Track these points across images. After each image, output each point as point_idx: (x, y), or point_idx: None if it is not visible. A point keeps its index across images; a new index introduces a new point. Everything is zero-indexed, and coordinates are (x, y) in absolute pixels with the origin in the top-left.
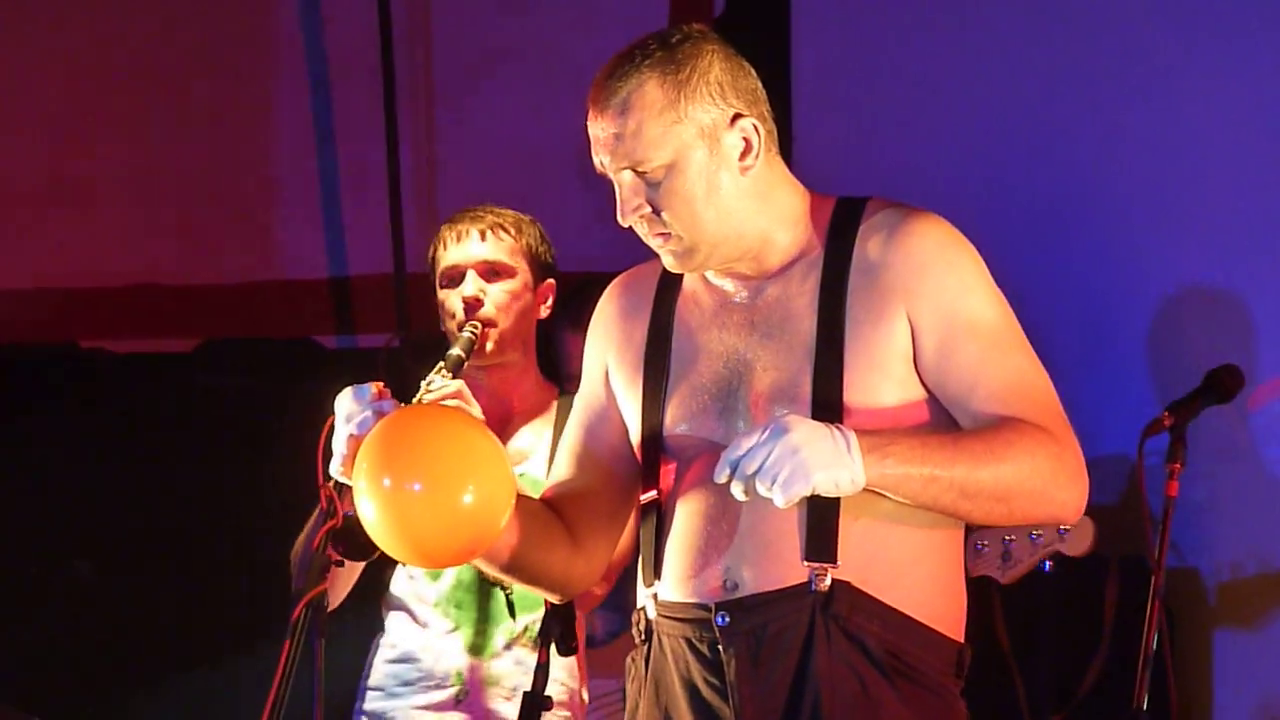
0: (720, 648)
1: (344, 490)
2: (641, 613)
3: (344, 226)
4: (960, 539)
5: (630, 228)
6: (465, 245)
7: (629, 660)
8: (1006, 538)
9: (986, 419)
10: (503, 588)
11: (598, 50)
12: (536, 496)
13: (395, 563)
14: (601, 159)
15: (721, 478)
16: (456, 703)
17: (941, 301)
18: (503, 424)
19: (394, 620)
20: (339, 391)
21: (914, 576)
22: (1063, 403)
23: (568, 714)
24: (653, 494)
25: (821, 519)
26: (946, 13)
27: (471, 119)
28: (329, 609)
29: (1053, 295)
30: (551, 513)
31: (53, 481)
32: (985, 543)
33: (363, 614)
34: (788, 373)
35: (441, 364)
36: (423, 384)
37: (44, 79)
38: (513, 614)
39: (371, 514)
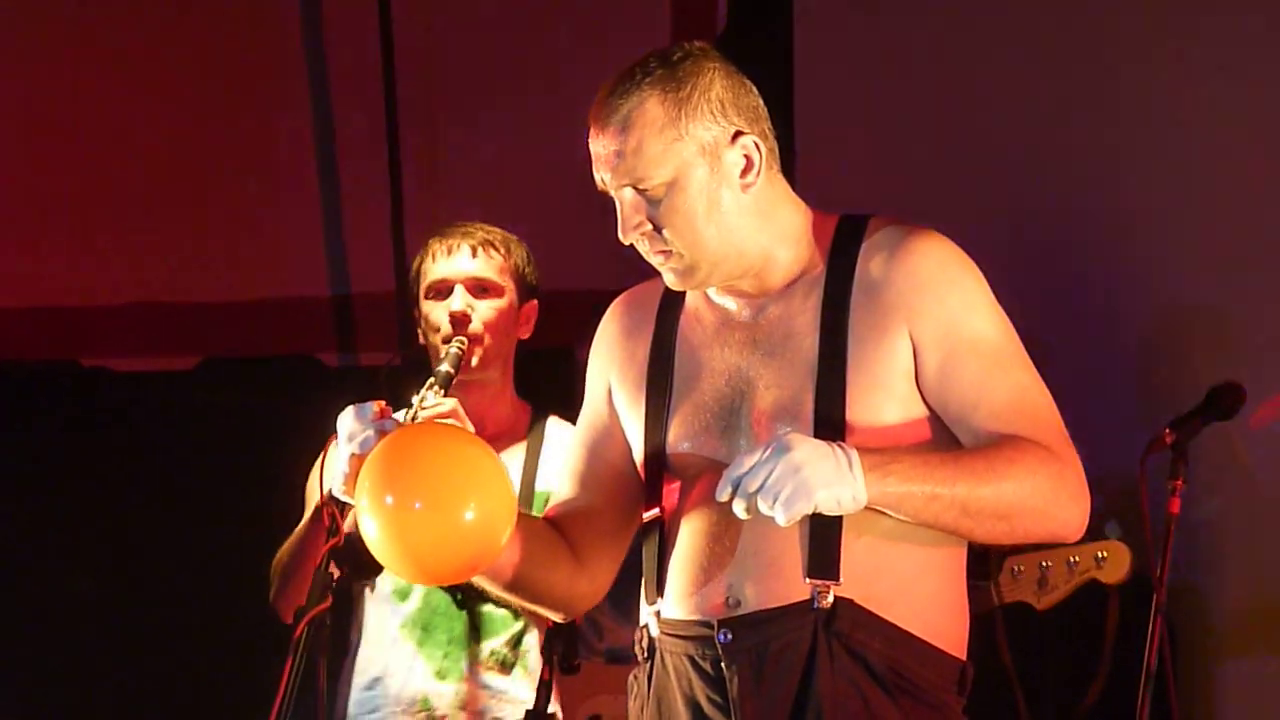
0: (723, 665)
1: (346, 508)
2: (644, 630)
3: (345, 244)
4: (963, 556)
5: (632, 245)
6: (455, 260)
7: (631, 678)
8: (1043, 563)
9: (988, 437)
10: (470, 611)
11: (599, 69)
12: None
13: (364, 584)
14: (602, 176)
15: (724, 496)
16: None
17: (943, 319)
18: None
19: (362, 642)
20: (341, 409)
21: (916, 594)
22: (1065, 420)
23: None
24: (655, 512)
25: (824, 536)
26: (950, 30)
27: (473, 137)
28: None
29: (1054, 313)
30: (555, 531)
31: (53, 499)
32: (1021, 568)
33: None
34: (790, 391)
35: (432, 380)
36: (415, 400)
37: (45, 98)
38: (479, 638)
39: (374, 532)
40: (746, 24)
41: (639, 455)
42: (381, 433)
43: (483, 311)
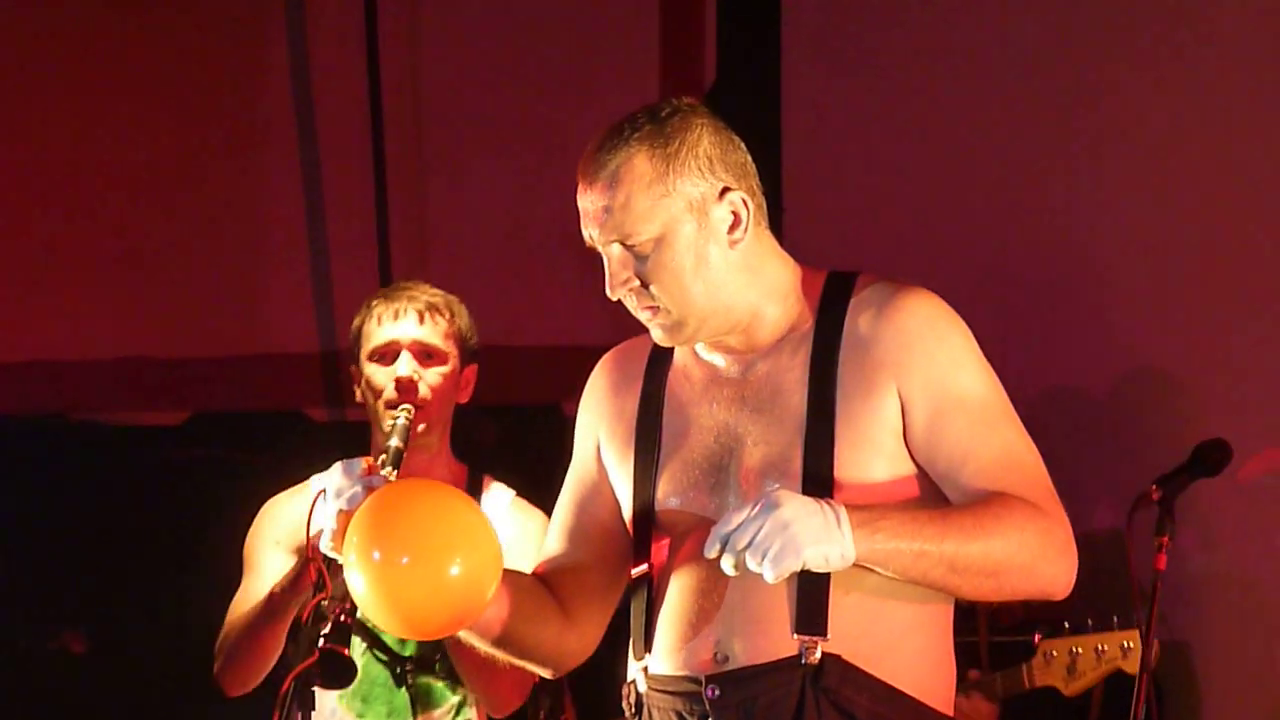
0: None
1: (333, 565)
2: (632, 686)
3: (334, 299)
4: (950, 613)
5: (619, 301)
6: (401, 324)
7: None
8: (1074, 649)
9: (976, 494)
10: (407, 684)
11: (588, 123)
12: None
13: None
14: (590, 232)
15: (712, 553)
16: None
17: (931, 376)
18: None
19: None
20: (328, 464)
21: (904, 650)
22: (1052, 477)
23: None
24: (644, 567)
25: (812, 592)
26: (937, 87)
27: (461, 192)
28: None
29: (1042, 370)
30: (543, 587)
31: (42, 553)
32: (1055, 653)
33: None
34: (778, 447)
35: (384, 457)
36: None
37: (34, 152)
38: (418, 710)
39: (362, 587)
40: (735, 80)
41: (627, 511)
42: (369, 489)
43: (429, 378)
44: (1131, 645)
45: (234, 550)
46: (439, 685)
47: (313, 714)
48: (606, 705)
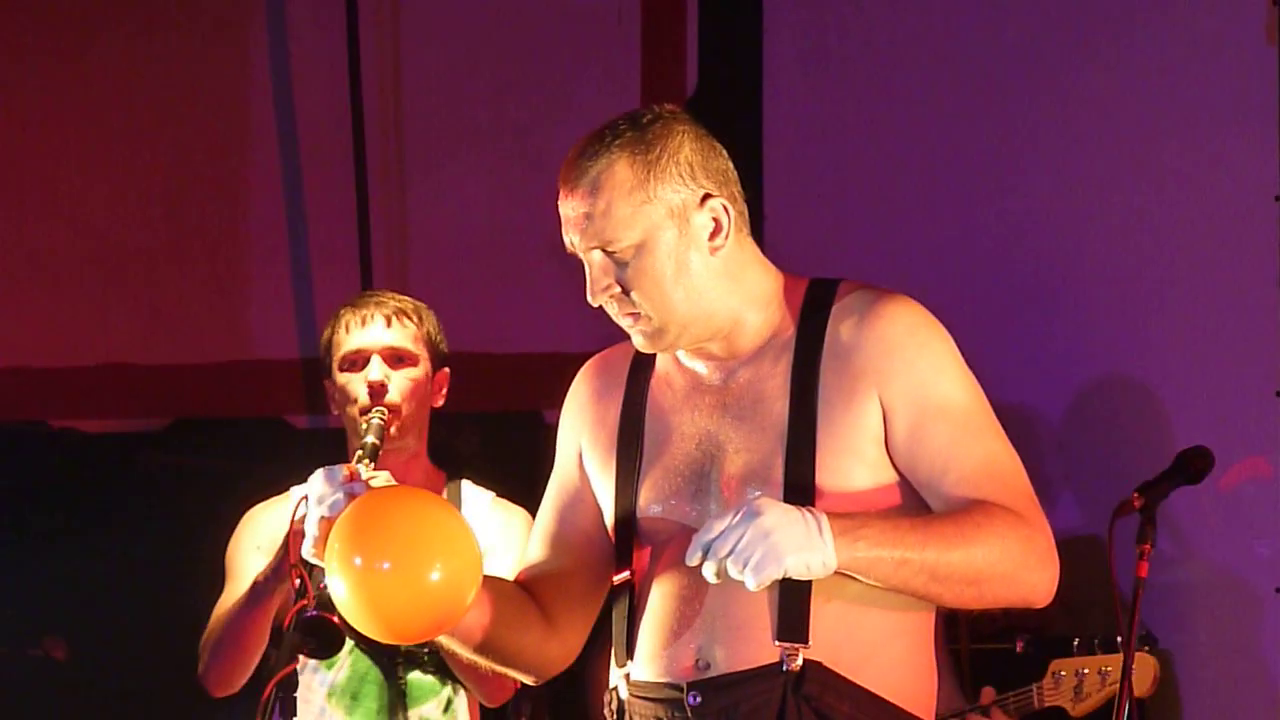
0: None
1: (315, 571)
2: (614, 693)
3: (315, 307)
4: (932, 621)
5: (600, 308)
6: (370, 330)
7: None
8: (1081, 670)
9: (958, 501)
10: (398, 678)
11: (569, 130)
12: None
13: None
14: (571, 238)
15: (694, 560)
16: None
17: (912, 384)
18: None
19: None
20: (310, 471)
21: (885, 657)
22: (1034, 485)
23: None
24: (626, 575)
25: (793, 600)
26: (920, 93)
27: (442, 199)
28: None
29: (1024, 377)
30: (525, 594)
31: (23, 561)
32: (1063, 673)
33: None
34: (760, 455)
35: (360, 452)
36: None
37: (14, 161)
38: (408, 705)
39: (343, 593)
40: (717, 87)
41: (609, 518)
42: (350, 495)
43: (399, 382)
44: (1133, 667)
45: (215, 556)
46: (428, 679)
47: None
48: (587, 712)
